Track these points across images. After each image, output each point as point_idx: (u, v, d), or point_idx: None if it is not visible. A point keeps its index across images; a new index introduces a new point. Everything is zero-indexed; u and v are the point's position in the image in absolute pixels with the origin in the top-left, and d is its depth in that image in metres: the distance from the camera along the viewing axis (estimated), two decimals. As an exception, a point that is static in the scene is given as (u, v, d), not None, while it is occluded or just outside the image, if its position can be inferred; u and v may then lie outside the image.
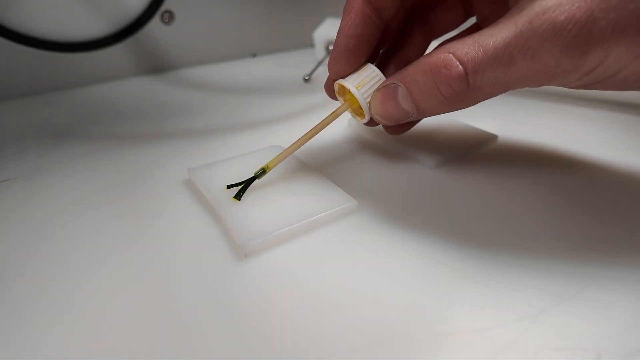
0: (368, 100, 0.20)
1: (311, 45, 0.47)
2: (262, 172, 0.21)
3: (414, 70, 0.17)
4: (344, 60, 0.20)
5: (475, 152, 0.25)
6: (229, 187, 0.21)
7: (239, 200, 0.20)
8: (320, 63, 0.40)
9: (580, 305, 0.15)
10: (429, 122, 0.28)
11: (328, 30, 0.41)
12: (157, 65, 0.42)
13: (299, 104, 0.34)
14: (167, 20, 0.41)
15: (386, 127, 0.22)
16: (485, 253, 0.18)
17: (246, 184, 0.21)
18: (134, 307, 0.15)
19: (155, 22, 0.41)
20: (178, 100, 0.36)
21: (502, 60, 0.15)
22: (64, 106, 0.35)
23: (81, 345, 0.14)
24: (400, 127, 0.22)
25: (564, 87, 0.17)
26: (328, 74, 0.21)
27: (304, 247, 0.18)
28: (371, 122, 0.21)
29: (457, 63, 0.16)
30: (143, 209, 0.21)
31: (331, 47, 0.41)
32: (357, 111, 0.21)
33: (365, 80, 0.20)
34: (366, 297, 0.16)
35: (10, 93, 0.37)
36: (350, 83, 0.20)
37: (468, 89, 0.16)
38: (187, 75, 0.42)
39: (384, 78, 0.20)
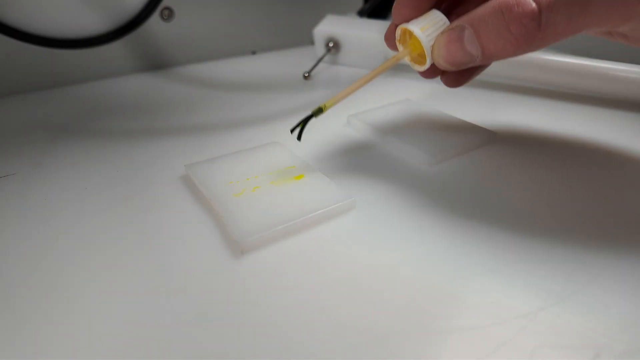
0: (431, 43, 0.20)
1: (311, 42, 0.47)
2: (320, 110, 0.21)
3: (483, 11, 0.17)
4: (411, 4, 0.20)
5: (473, 149, 0.25)
6: (292, 131, 0.21)
7: (300, 140, 0.21)
8: (320, 60, 0.40)
9: (579, 303, 0.15)
10: (426, 118, 0.28)
11: (328, 27, 0.41)
12: (156, 62, 0.42)
13: (299, 100, 0.34)
14: (166, 17, 0.41)
15: (446, 78, 0.22)
16: (483, 251, 0.17)
17: (303, 122, 0.21)
18: (129, 303, 0.15)
19: (154, 19, 0.40)
20: (177, 97, 0.35)
21: None
22: (62, 103, 0.35)
23: (77, 343, 0.14)
24: (460, 77, 0.22)
25: (630, 34, 0.17)
26: (390, 22, 0.22)
27: (302, 244, 0.18)
28: (429, 73, 0.22)
29: (531, 0, 0.16)
30: (140, 205, 0.21)
31: (331, 45, 0.41)
32: (417, 59, 0.21)
33: (430, 24, 0.20)
34: (363, 295, 0.15)
35: (8, 90, 0.37)
36: (415, 26, 0.20)
37: (539, 29, 0.16)
38: (186, 73, 0.41)
39: (448, 23, 0.20)
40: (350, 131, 0.28)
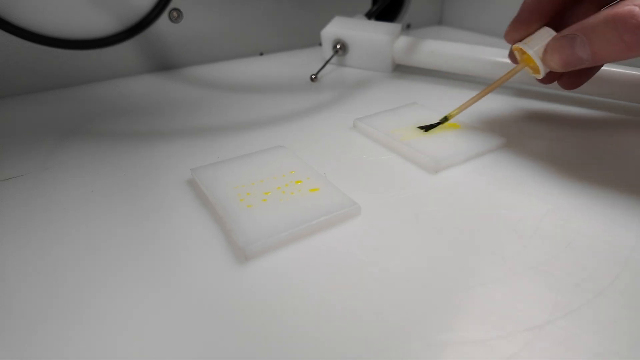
0: (540, 54, 0.23)
1: (319, 44, 0.47)
2: (445, 119, 0.26)
3: (595, 22, 0.20)
4: (523, 28, 0.23)
5: (481, 155, 0.25)
6: (422, 127, 0.26)
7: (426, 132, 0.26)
8: (327, 62, 0.40)
9: (587, 317, 0.15)
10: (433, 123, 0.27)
11: (336, 28, 0.41)
12: (164, 63, 0.42)
13: (306, 103, 0.34)
14: (175, 18, 0.41)
15: (562, 82, 0.25)
16: (488, 260, 0.17)
17: (432, 126, 0.26)
18: (131, 308, 0.15)
19: (163, 20, 0.41)
20: (185, 98, 0.36)
21: None
22: (70, 104, 0.35)
23: (79, 347, 0.14)
24: (575, 79, 0.25)
25: None
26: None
27: (306, 251, 0.18)
28: (547, 80, 0.25)
29: None
30: (146, 209, 0.21)
31: (338, 46, 0.41)
32: (535, 69, 0.24)
33: (540, 40, 0.23)
34: (366, 304, 0.15)
35: (17, 90, 0.37)
36: (525, 44, 0.23)
37: None
38: (194, 74, 0.42)
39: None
40: (356, 135, 0.28)
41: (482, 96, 0.25)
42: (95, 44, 0.38)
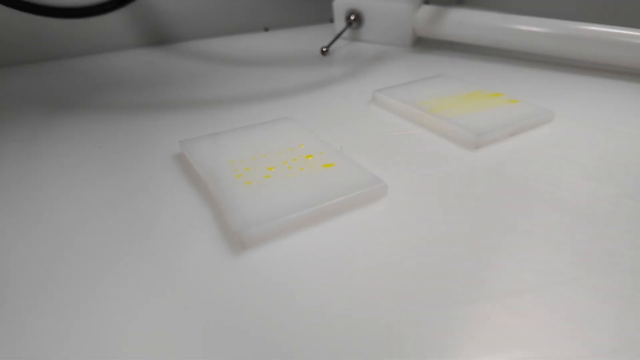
0: None
1: (330, 20, 0.43)
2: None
3: None
4: None
5: (527, 130, 0.21)
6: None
7: None
8: (340, 34, 0.36)
9: None
10: (468, 94, 0.23)
11: (349, -1, 0.37)
12: (159, 37, 0.39)
13: (315, 77, 0.30)
14: (172, -13, 0.37)
15: None
16: (554, 252, 0.13)
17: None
18: (113, 302, 0.12)
19: (159, -11, 0.37)
20: (180, 72, 0.32)
21: None
22: (59, 77, 0.32)
23: (49, 341, 0.10)
24: None
25: None
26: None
27: (318, 238, 0.14)
28: None
29: None
30: (123, 187, 0.17)
31: (352, 18, 0.37)
32: None
33: None
34: (397, 306, 0.11)
35: (7, 60, 0.34)
36: None
37: None
38: (192, 48, 0.38)
39: None
40: (375, 108, 0.24)
41: None
42: (85, 12, 0.35)
